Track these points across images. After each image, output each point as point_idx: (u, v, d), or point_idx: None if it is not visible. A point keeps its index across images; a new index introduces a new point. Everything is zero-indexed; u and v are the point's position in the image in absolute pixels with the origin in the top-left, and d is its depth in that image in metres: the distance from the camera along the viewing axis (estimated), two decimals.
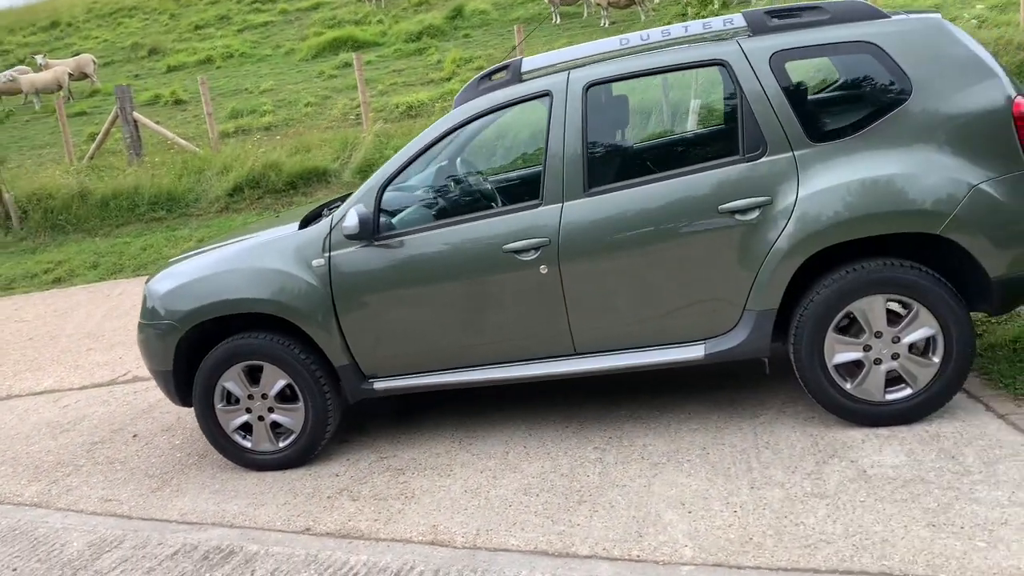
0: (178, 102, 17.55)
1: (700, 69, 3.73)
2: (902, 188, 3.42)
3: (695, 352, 3.75)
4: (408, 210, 4.09)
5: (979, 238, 3.40)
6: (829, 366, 3.62)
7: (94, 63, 19.88)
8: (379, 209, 3.96)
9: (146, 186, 12.04)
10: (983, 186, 3.38)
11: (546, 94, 3.83)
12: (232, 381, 4.17)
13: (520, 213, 3.82)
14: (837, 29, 3.59)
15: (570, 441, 4.03)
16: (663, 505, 3.35)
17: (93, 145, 13.89)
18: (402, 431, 4.47)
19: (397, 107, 13.71)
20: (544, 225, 3.76)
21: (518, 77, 3.96)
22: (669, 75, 3.87)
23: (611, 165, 3.96)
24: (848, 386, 3.64)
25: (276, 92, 16.77)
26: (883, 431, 3.63)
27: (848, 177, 3.47)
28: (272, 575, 3.30)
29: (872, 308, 3.53)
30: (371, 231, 3.88)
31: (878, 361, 3.59)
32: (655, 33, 3.88)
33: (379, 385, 4.12)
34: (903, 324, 3.53)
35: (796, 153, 3.54)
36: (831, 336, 3.58)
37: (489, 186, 4.33)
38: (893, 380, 3.62)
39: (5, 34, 30.21)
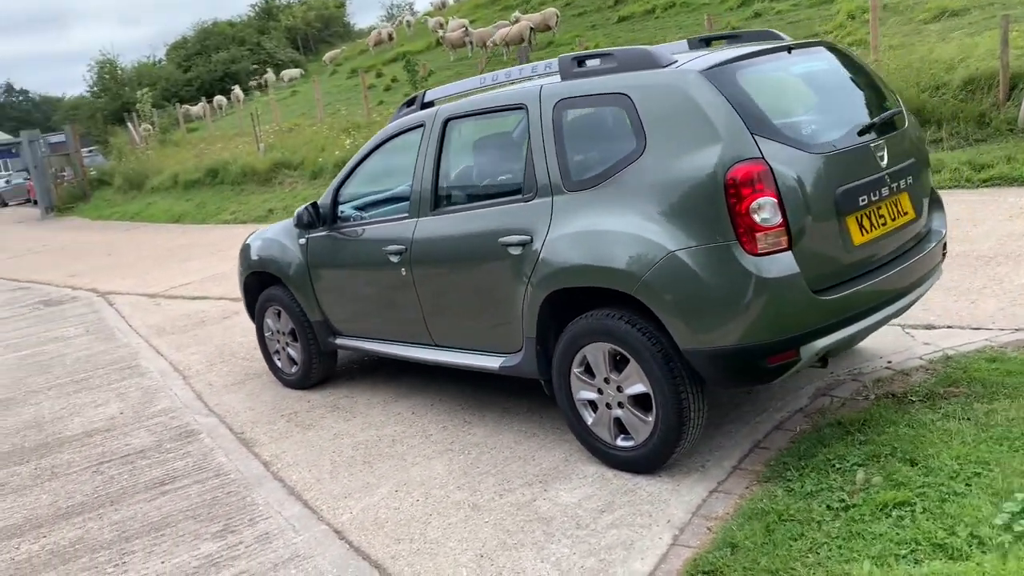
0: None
1: (511, 111, 4.04)
2: (610, 244, 3.45)
3: (494, 363, 4.20)
4: (353, 209, 5.11)
5: (666, 305, 3.30)
6: (575, 399, 3.82)
7: (557, 17, 22.57)
8: (335, 204, 5.06)
9: None
10: (680, 253, 3.25)
11: (421, 125, 4.49)
12: (270, 318, 5.73)
13: (397, 222, 4.60)
14: (612, 79, 3.61)
15: (440, 416, 4.75)
16: (393, 482, 4.04)
17: None
18: (385, 381, 5.56)
19: None
20: (405, 234, 4.49)
21: (421, 106, 4.66)
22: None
23: (452, 189, 4.44)
24: (589, 421, 3.79)
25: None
26: (610, 473, 3.73)
27: (577, 228, 3.59)
28: (188, 454, 4.83)
29: (598, 354, 3.64)
30: (308, 223, 5.04)
31: (609, 406, 3.69)
32: (501, 75, 4.25)
33: (338, 341, 5.30)
34: (622, 376, 3.58)
35: (554, 198, 3.74)
36: (575, 372, 3.78)
37: (393, 195, 5.08)
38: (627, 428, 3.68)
39: None
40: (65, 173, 28.70)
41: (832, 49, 4.02)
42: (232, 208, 18.41)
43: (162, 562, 3.60)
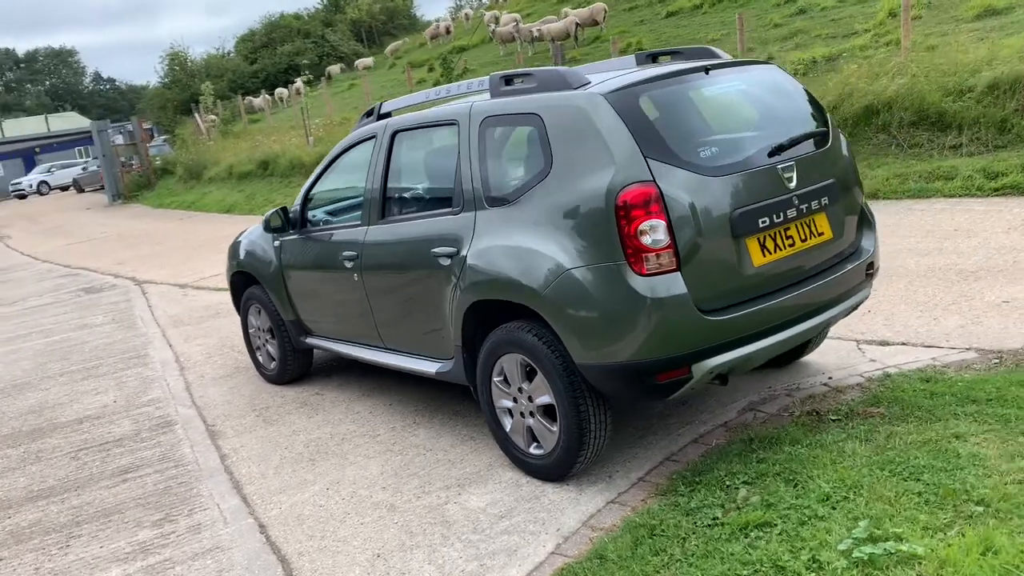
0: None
1: (446, 127, 4.18)
2: (516, 260, 3.56)
3: (431, 368, 4.36)
4: (324, 214, 5.32)
5: (561, 321, 3.40)
6: (496, 407, 3.95)
7: (605, 12, 22.48)
8: (304, 209, 5.28)
9: None
10: (575, 271, 3.35)
11: (373, 136, 4.66)
12: (252, 316, 6.00)
13: (352, 229, 4.79)
14: (529, 99, 3.72)
15: (393, 417, 4.94)
16: (328, 480, 4.23)
17: None
18: (356, 379, 5.78)
19: (797, 62, 13.20)
20: (358, 240, 4.68)
21: (378, 117, 4.83)
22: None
23: (397, 199, 4.58)
24: (508, 429, 3.93)
25: (698, 40, 17.19)
26: (524, 479, 3.86)
27: (492, 242, 3.72)
28: (158, 444, 5.12)
29: (513, 365, 3.76)
30: (277, 228, 5.26)
31: (523, 415, 3.81)
32: (442, 90, 4.38)
33: (309, 340, 5.53)
34: (532, 386, 3.70)
35: (477, 213, 3.87)
36: (495, 381, 3.91)
37: (351, 203, 5.25)
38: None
39: None
40: (133, 162, 29.88)
41: (765, 70, 4.04)
42: (278, 200, 18.91)
43: (101, 547, 3.87)
